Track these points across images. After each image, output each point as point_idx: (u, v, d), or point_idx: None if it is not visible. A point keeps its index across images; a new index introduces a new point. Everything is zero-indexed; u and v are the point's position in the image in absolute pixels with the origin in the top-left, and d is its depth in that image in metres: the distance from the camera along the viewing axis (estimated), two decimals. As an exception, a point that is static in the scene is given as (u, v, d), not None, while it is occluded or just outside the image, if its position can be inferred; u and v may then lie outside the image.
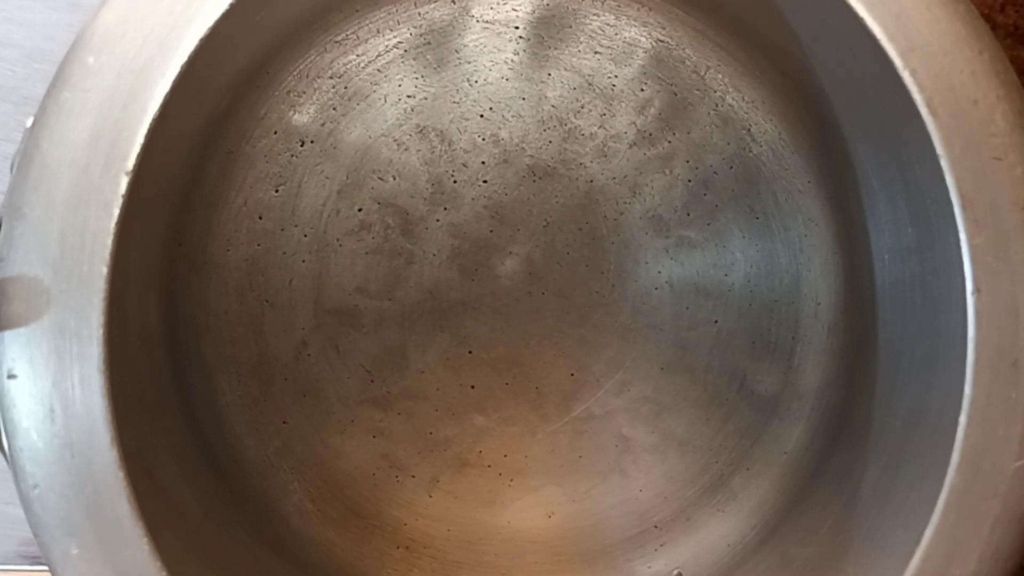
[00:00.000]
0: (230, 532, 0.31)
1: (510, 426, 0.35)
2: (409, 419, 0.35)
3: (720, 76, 0.34)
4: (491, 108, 0.34)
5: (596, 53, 0.34)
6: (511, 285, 0.35)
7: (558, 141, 0.34)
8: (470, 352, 0.35)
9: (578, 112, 0.34)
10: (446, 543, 0.35)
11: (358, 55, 0.33)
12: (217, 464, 0.32)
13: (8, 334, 0.24)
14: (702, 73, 0.34)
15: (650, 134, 0.34)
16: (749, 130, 0.34)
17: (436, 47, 0.34)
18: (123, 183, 0.25)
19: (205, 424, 0.32)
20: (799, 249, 0.34)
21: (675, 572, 0.34)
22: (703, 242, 0.35)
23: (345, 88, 0.33)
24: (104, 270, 0.24)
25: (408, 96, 0.34)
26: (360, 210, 0.34)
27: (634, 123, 0.34)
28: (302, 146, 0.34)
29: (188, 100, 0.26)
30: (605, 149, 0.34)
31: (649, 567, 0.35)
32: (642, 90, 0.34)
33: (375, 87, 0.34)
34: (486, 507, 0.35)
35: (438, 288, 0.34)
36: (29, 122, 0.25)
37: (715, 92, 0.34)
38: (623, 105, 0.34)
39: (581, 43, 0.34)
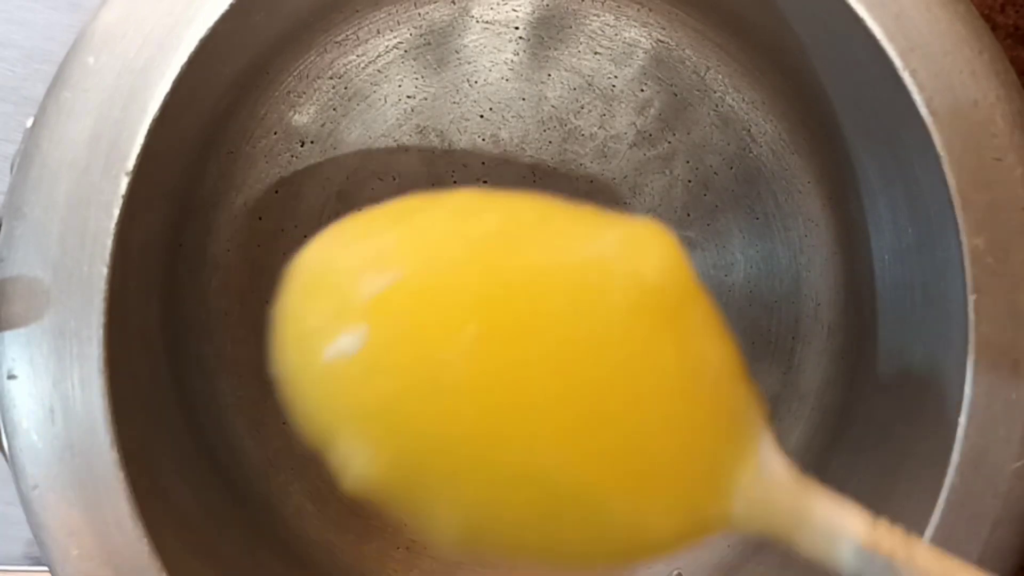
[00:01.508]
0: (230, 533, 0.31)
1: (510, 426, 0.35)
2: (409, 419, 0.35)
3: (720, 76, 0.34)
4: (491, 108, 0.34)
5: (596, 54, 0.34)
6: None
7: (558, 141, 0.34)
8: (470, 352, 0.35)
9: (578, 112, 0.34)
10: (446, 543, 0.35)
11: (358, 55, 0.33)
12: (217, 465, 0.32)
13: (8, 334, 0.24)
14: (702, 74, 0.34)
15: (650, 135, 0.34)
16: (749, 130, 0.34)
17: (436, 47, 0.33)
18: (123, 184, 0.25)
19: (205, 425, 0.32)
20: (799, 249, 0.34)
21: (675, 573, 0.34)
22: (703, 242, 0.35)
23: (345, 88, 0.33)
24: (104, 271, 0.24)
25: (408, 96, 0.34)
26: (361, 210, 0.34)
27: (634, 123, 0.34)
28: (302, 146, 0.34)
29: (188, 101, 0.26)
30: (605, 149, 0.34)
31: (648, 567, 0.35)
32: (642, 90, 0.34)
33: (375, 88, 0.34)
34: (486, 507, 0.35)
35: (438, 288, 0.34)
36: (29, 122, 0.25)
37: (715, 92, 0.34)
38: (623, 106, 0.34)
39: (581, 43, 0.34)
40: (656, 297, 0.16)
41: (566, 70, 0.34)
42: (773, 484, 0.16)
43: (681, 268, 0.16)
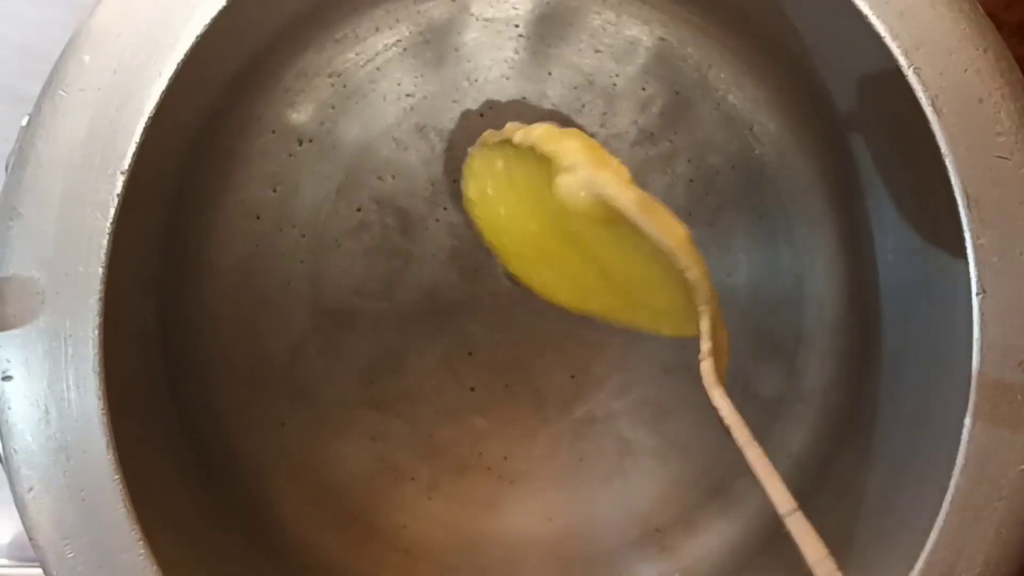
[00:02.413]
0: (226, 536, 0.31)
1: (510, 428, 0.35)
2: (408, 422, 0.34)
3: (722, 74, 0.34)
4: (491, 107, 0.34)
5: (597, 51, 0.34)
6: (511, 286, 0.34)
7: (559, 140, 0.34)
8: (470, 354, 0.34)
9: (579, 111, 0.34)
10: (445, 547, 0.34)
11: (357, 53, 0.33)
12: (213, 467, 0.32)
13: (3, 335, 0.24)
14: (704, 71, 0.34)
15: (652, 133, 0.34)
16: (752, 129, 0.34)
17: (435, 45, 0.33)
18: (119, 183, 0.25)
19: (201, 427, 0.32)
20: (802, 250, 0.34)
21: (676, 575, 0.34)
22: (705, 243, 0.34)
23: (344, 87, 0.33)
24: (100, 271, 0.24)
25: (407, 95, 0.33)
26: (359, 210, 0.34)
27: (635, 122, 0.34)
28: (300, 145, 0.33)
29: (184, 99, 0.26)
30: (606, 148, 0.34)
31: (650, 571, 0.34)
32: (643, 89, 0.34)
33: (374, 85, 0.33)
34: (486, 511, 0.35)
35: (437, 289, 0.34)
36: (24, 121, 0.25)
37: (717, 91, 0.34)
38: (624, 104, 0.34)
39: (582, 41, 0.33)
40: (591, 218, 0.27)
41: (567, 68, 0.34)
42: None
43: (595, 208, 0.26)
